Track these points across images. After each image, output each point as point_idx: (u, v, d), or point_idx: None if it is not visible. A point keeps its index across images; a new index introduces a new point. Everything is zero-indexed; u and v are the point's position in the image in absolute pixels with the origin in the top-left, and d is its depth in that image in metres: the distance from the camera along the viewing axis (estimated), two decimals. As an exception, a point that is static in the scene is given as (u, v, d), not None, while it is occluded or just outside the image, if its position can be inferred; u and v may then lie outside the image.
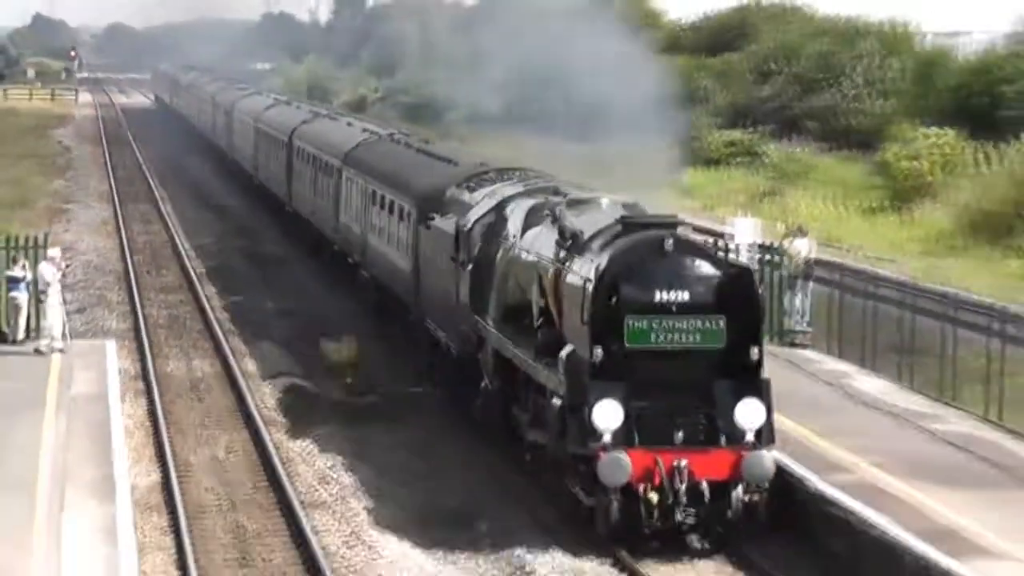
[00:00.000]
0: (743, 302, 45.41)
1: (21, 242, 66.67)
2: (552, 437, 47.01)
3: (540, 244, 51.38)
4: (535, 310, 50.94)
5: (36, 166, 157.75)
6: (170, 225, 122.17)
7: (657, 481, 42.96)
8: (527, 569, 44.00)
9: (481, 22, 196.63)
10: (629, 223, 47.42)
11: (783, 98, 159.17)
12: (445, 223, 61.17)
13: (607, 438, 42.63)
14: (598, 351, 44.12)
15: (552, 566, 43.84)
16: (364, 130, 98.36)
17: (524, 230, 53.62)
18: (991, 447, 51.83)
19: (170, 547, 45.27)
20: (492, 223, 57.11)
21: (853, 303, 69.48)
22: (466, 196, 61.03)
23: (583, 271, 45.68)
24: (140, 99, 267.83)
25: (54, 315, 61.37)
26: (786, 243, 71.65)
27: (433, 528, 48.57)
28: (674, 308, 43.01)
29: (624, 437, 43.85)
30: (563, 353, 46.29)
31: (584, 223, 48.85)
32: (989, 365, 57.64)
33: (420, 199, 65.09)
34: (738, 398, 44.29)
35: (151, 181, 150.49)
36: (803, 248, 72.64)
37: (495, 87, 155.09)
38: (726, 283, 45.61)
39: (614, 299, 43.15)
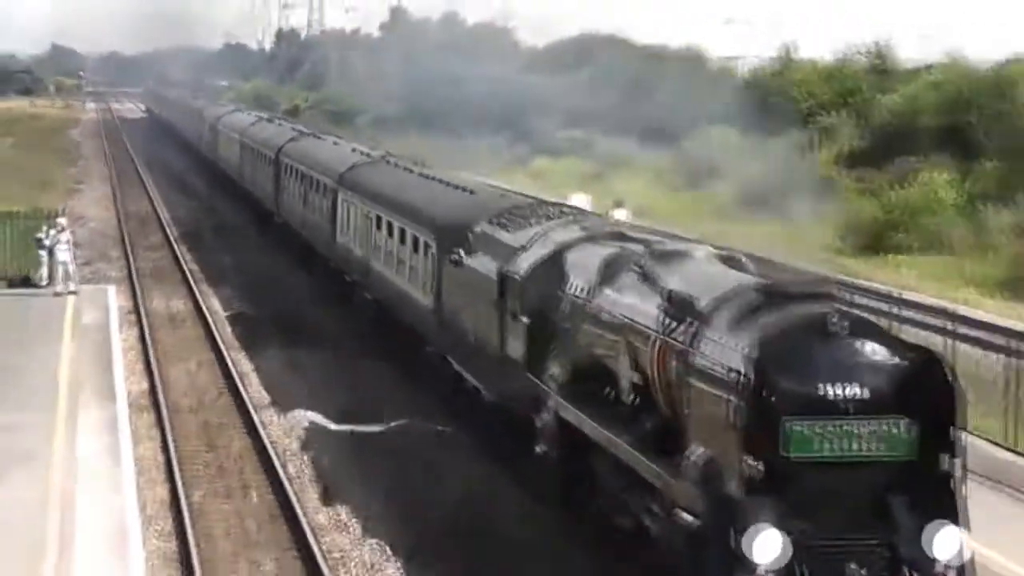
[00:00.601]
0: (934, 398, 30.98)
1: (44, 213, 69.51)
2: (682, 564, 33.41)
3: (629, 306, 37.17)
4: (625, 384, 37.26)
5: (56, 157, 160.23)
6: (154, 202, 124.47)
7: None
8: None
9: (384, 50, 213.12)
10: (774, 291, 32.76)
11: (615, 97, 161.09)
12: (481, 264, 46.09)
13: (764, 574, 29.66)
14: (752, 462, 30.14)
15: None
16: (354, 150, 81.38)
17: (600, 285, 38.99)
18: None
19: (156, 437, 46.90)
20: (552, 272, 42.24)
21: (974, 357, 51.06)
22: (504, 236, 46.17)
23: (723, 357, 31.04)
24: (132, 107, 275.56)
25: (66, 260, 63.88)
26: (610, 213, 74.84)
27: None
28: (847, 408, 29.15)
29: (786, 571, 29.92)
30: (695, 457, 31.77)
31: (692, 285, 34.57)
32: None
33: (441, 232, 50.36)
34: (926, 520, 30.07)
35: (141, 173, 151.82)
36: (621, 216, 75.29)
37: (393, 98, 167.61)
38: (911, 373, 31.21)
39: (769, 396, 28.57)
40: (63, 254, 64.29)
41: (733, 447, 28.30)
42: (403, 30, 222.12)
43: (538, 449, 39.89)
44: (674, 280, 33.58)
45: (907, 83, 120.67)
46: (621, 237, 40.81)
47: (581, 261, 39.66)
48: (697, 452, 29.83)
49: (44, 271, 65.03)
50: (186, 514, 38.52)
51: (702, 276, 34.07)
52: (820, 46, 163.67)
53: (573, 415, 36.45)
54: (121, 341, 57.65)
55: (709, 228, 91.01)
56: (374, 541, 37.79)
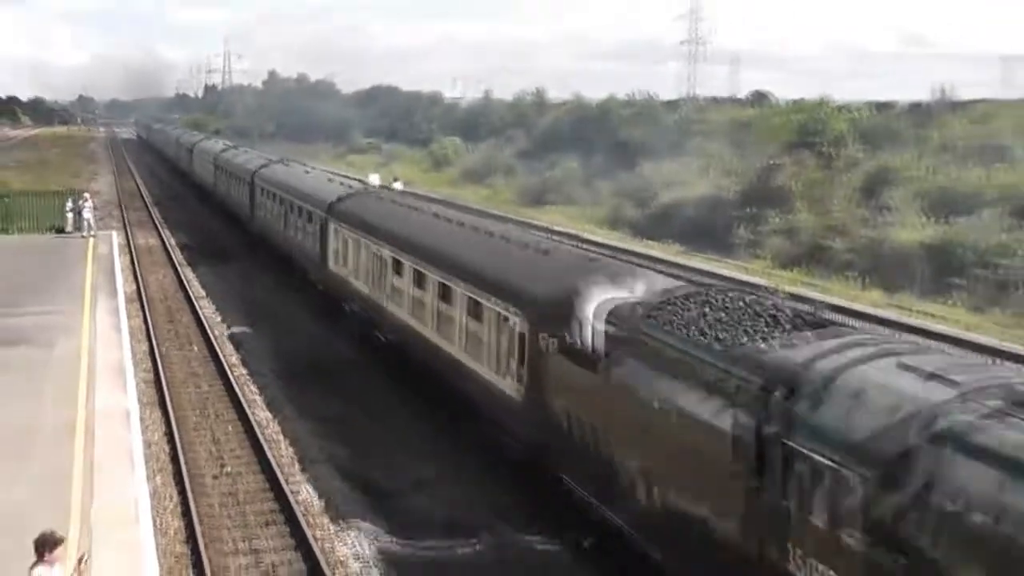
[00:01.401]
0: None
1: (75, 191, 73.59)
2: None
3: None
4: None
5: (81, 158, 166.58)
6: (139, 185, 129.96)
7: None
8: None
9: (265, 95, 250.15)
10: None
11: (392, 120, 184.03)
12: (706, 408, 19.16)
13: None
14: None
15: None
16: (331, 180, 64.58)
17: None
18: None
19: (140, 315, 50.55)
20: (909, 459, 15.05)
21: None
22: (709, 356, 20.06)
23: None
24: (127, 131, 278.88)
25: (89, 217, 66.77)
26: (393, 184, 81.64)
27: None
28: None
29: None
30: None
31: None
32: None
33: (537, 314, 27.62)
34: None
35: (132, 169, 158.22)
36: (399, 186, 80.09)
37: (270, 122, 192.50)
38: None
39: None
40: (87, 213, 66.73)
41: None
42: (275, 84, 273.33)
43: None
44: None
45: (554, 112, 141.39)
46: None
47: (965, 443, 14.88)
48: None
49: (70, 225, 67.23)
50: (158, 359, 43.06)
51: None
52: (508, 89, 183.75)
53: None
54: (120, 263, 59.15)
55: (445, 190, 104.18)
56: (267, 368, 43.14)
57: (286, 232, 62.35)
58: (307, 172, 70.07)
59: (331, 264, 50.67)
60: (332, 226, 50.90)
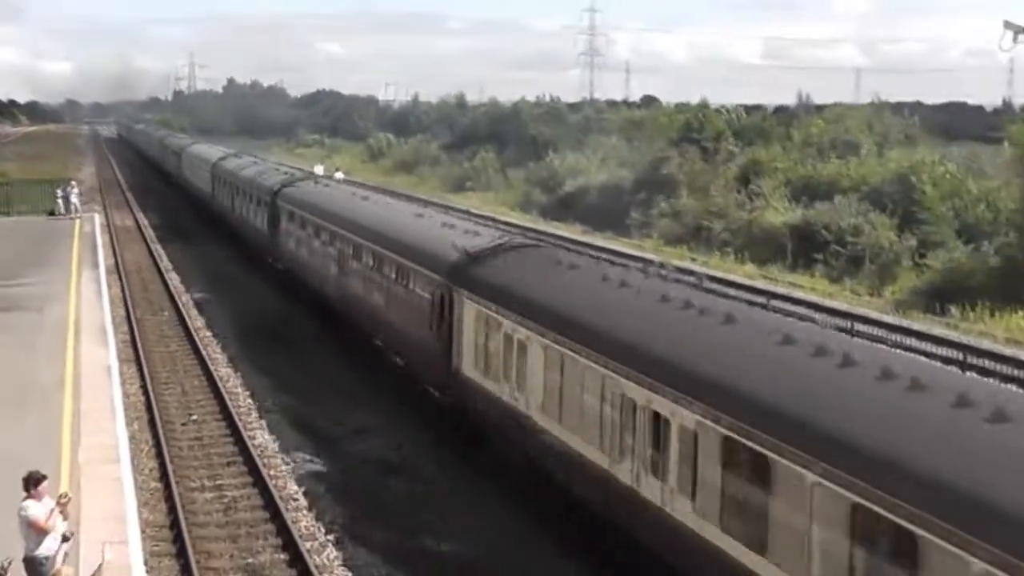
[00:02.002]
0: None
1: (64, 180, 72.80)
2: None
3: None
4: None
5: (71, 151, 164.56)
6: (118, 176, 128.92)
7: None
8: None
9: (225, 99, 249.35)
10: None
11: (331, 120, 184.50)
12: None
13: None
14: None
15: None
16: (278, 169, 64.14)
17: None
18: None
19: (118, 285, 50.25)
20: None
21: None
22: None
23: None
24: (107, 130, 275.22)
25: (75, 202, 66.64)
26: (336, 174, 78.78)
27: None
28: None
29: None
30: None
31: None
32: None
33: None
34: None
35: (112, 162, 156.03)
36: (340, 176, 78.46)
37: (229, 122, 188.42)
38: None
39: None
40: (74, 198, 66.67)
41: None
42: (233, 89, 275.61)
43: None
44: None
45: (473, 112, 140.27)
46: None
47: None
48: None
49: (60, 208, 66.43)
50: (134, 323, 43.06)
51: None
52: (433, 93, 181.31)
53: None
54: (101, 239, 58.10)
55: (378, 179, 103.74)
56: (227, 330, 43.50)
57: (238, 211, 64.29)
58: (255, 162, 71.96)
59: (280, 238, 51.47)
60: (279, 203, 52.20)
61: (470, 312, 26.25)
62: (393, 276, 33.56)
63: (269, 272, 54.00)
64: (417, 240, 33.20)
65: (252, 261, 58.41)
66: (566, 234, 67.63)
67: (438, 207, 63.29)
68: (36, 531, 14.81)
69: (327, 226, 42.71)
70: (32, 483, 15.09)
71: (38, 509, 14.87)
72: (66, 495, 15.50)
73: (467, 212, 70.54)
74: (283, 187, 53.55)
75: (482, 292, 25.86)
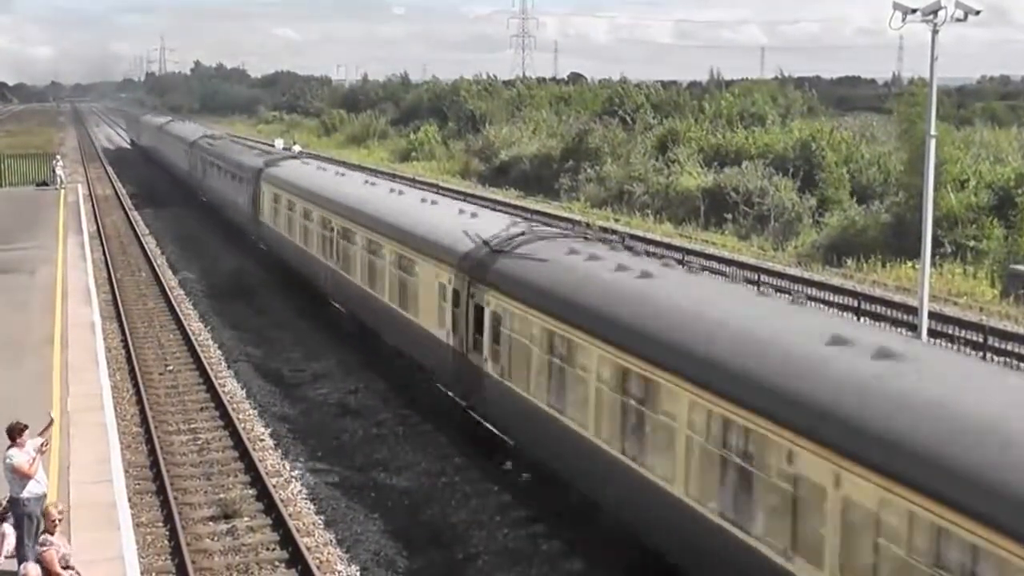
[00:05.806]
0: None
1: (52, 152, 72.78)
2: None
3: None
4: None
5: (53, 127, 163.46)
6: (96, 147, 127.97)
7: None
8: None
9: (193, 80, 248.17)
10: None
11: (289, 99, 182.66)
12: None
13: None
14: None
15: None
16: (252, 147, 63.11)
17: None
18: None
19: (100, 249, 50.42)
20: None
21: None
22: None
23: None
24: (88, 107, 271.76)
25: (61, 174, 65.21)
26: (294, 148, 79.01)
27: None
28: None
29: None
30: None
31: None
32: None
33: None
34: None
35: (91, 134, 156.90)
36: (298, 148, 78.16)
37: (196, 101, 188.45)
38: None
39: None
40: (60, 170, 65.57)
41: None
42: (199, 71, 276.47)
43: None
44: None
45: (416, 90, 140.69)
46: None
47: None
48: None
49: (53, 178, 65.34)
50: (115, 283, 43.08)
51: None
52: (380, 73, 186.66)
53: None
54: (83, 207, 56.74)
55: (333, 152, 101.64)
56: (198, 289, 43.38)
57: (210, 183, 62.61)
58: (235, 142, 71.43)
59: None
60: (262, 184, 47.57)
61: (501, 312, 21.15)
62: (396, 264, 27.87)
63: (233, 231, 53.24)
64: (424, 228, 26.92)
65: (219, 222, 57.84)
66: (501, 198, 67.85)
67: (386, 175, 62.40)
68: (20, 476, 14.88)
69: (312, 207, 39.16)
70: (15, 432, 15.06)
71: (21, 457, 14.91)
72: (44, 444, 15.37)
73: (412, 180, 69.93)
74: (267, 166, 47.74)
75: (513, 291, 20.84)
